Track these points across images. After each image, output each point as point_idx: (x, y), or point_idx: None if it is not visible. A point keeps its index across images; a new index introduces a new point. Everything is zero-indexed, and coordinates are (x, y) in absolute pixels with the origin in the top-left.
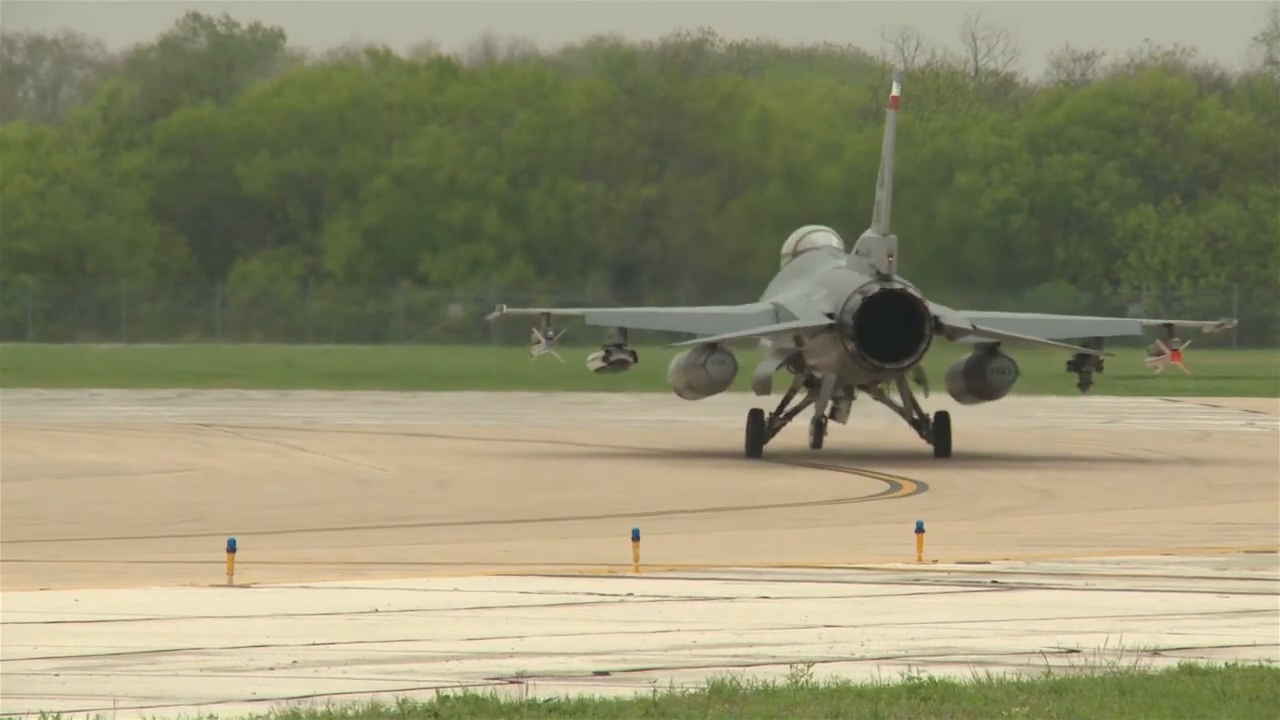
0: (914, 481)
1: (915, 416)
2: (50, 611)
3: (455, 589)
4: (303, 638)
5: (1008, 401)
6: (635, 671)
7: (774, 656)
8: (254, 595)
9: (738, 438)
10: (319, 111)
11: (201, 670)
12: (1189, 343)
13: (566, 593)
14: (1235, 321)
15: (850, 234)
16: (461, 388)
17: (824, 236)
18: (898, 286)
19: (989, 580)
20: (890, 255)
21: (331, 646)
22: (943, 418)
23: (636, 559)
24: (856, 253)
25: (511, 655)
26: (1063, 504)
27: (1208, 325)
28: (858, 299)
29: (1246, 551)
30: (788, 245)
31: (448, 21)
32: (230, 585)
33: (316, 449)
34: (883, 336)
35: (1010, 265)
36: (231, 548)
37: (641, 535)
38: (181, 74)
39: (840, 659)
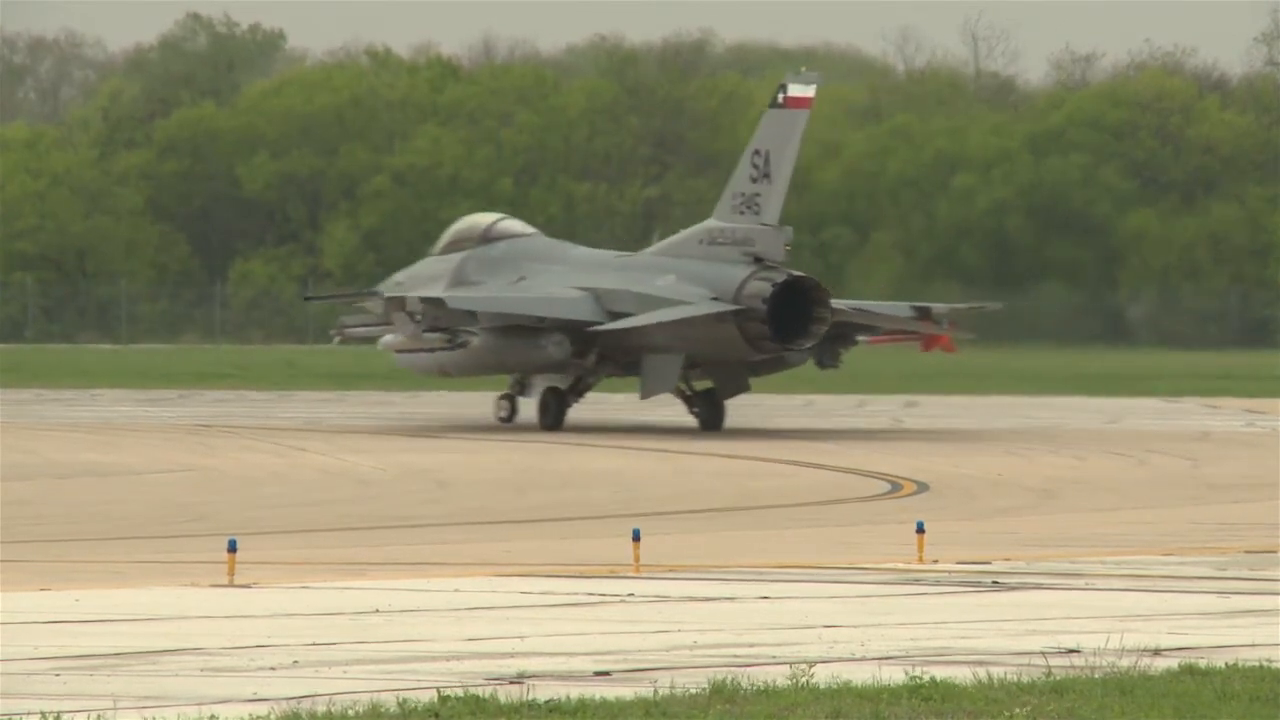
0: (914, 482)
1: (687, 394)
2: (50, 611)
3: (456, 589)
4: (303, 638)
5: (1008, 401)
6: (636, 671)
7: (774, 656)
8: (254, 595)
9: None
10: (319, 111)
11: (202, 670)
12: (947, 324)
13: (567, 593)
14: (1000, 306)
15: (854, 233)
16: (462, 387)
17: (518, 224)
18: (801, 274)
19: (989, 580)
20: (787, 244)
21: (332, 646)
22: (711, 394)
23: (637, 559)
24: (713, 242)
25: (512, 655)
26: (1063, 504)
27: (961, 306)
28: (765, 285)
29: (1247, 551)
30: (460, 234)
31: (448, 21)
32: (231, 585)
33: (316, 449)
34: (787, 321)
35: (1008, 265)
36: (232, 548)
37: (642, 535)
38: (182, 74)
39: (841, 659)
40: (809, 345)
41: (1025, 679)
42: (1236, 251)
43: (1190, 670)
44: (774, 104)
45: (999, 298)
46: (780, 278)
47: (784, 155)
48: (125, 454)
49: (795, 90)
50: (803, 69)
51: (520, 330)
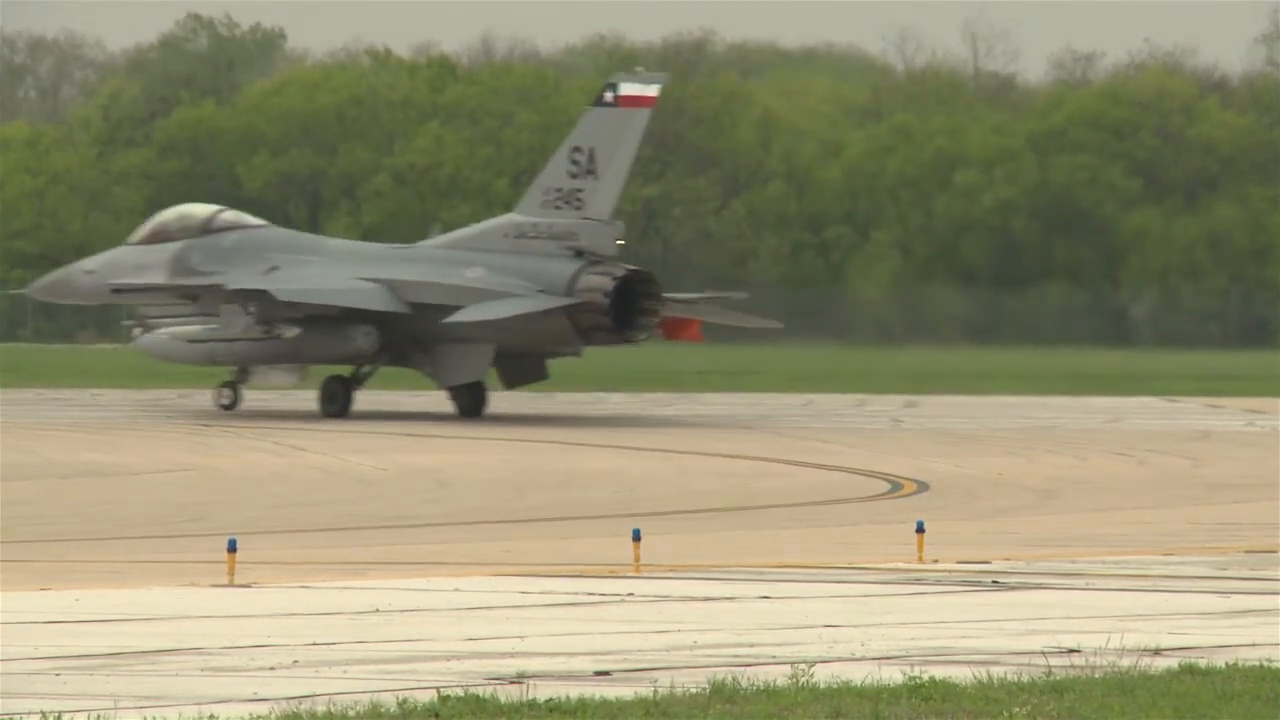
0: (914, 481)
1: (451, 385)
2: (51, 611)
3: (456, 589)
4: (303, 638)
5: (1008, 401)
6: (636, 671)
7: (774, 656)
8: (254, 595)
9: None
10: (319, 111)
11: (202, 670)
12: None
13: (567, 593)
14: (744, 296)
15: (855, 233)
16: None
17: (244, 216)
18: (637, 267)
19: (989, 580)
20: (620, 239)
21: (332, 646)
22: (477, 386)
23: (637, 559)
24: (521, 235)
25: (512, 655)
26: (1063, 504)
27: (708, 294)
28: (605, 279)
29: (1247, 551)
30: (168, 224)
31: (448, 21)
32: (230, 585)
33: (316, 449)
34: (619, 313)
35: (1009, 265)
36: (232, 548)
37: (642, 535)
38: (182, 74)
39: (841, 659)
40: (643, 337)
41: (1025, 679)
42: (1237, 251)
43: (1190, 670)
44: (600, 102)
45: (1001, 297)
46: (619, 272)
47: (616, 153)
48: (125, 454)
49: (630, 89)
50: (639, 69)
51: (329, 321)
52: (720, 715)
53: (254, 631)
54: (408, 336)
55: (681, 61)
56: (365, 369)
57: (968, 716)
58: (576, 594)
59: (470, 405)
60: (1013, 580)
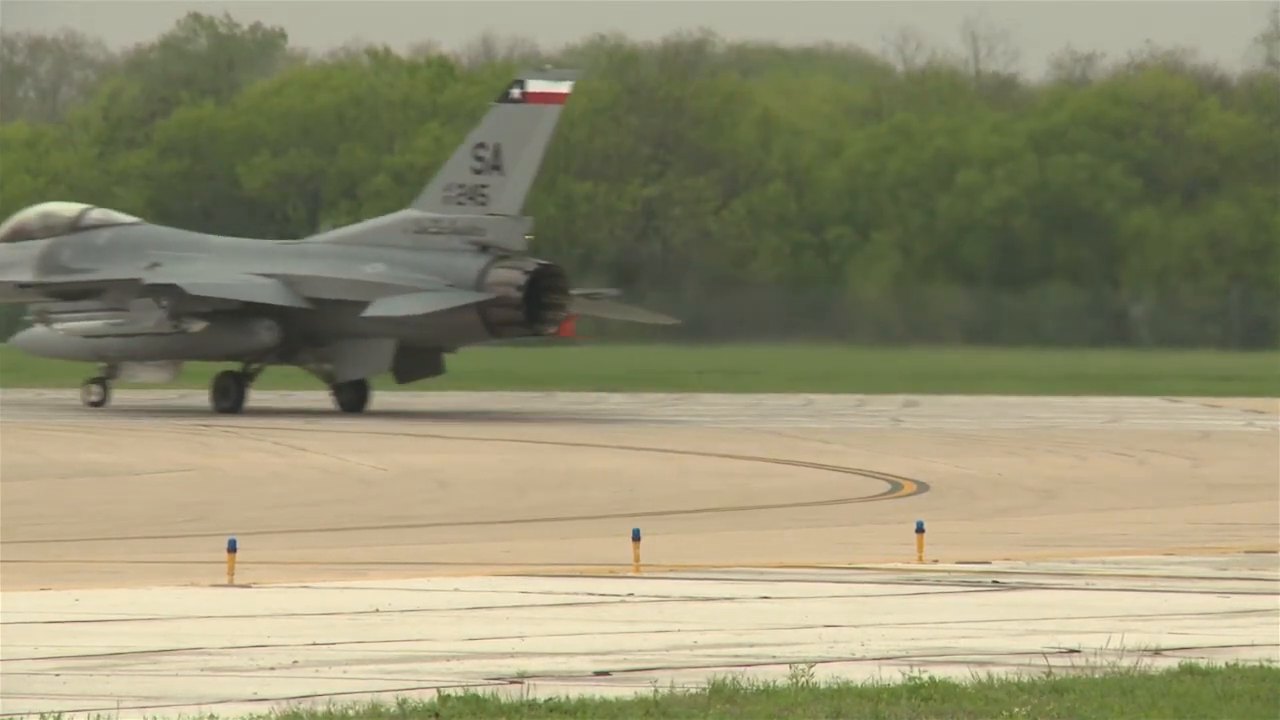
0: (914, 481)
1: (336, 382)
2: (50, 611)
3: (456, 589)
4: (303, 638)
5: (1008, 401)
6: (636, 671)
7: (774, 656)
8: (254, 595)
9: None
10: (319, 111)
11: (202, 670)
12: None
13: (567, 593)
14: (617, 293)
15: (855, 233)
16: (462, 388)
17: (114, 213)
18: (548, 261)
19: (989, 580)
20: (528, 234)
21: (332, 646)
22: (360, 384)
23: (637, 559)
24: (421, 231)
25: (512, 655)
26: (1063, 504)
27: (593, 290)
28: (517, 274)
29: (1247, 551)
30: (31, 222)
31: (448, 21)
32: (230, 585)
33: (316, 449)
34: (531, 306)
35: (1009, 264)
36: (232, 548)
37: (642, 535)
38: (182, 74)
39: (841, 659)
40: (550, 331)
41: (1025, 679)
42: (1237, 251)
43: (1190, 670)
44: (506, 99)
45: (1001, 297)
46: (530, 266)
47: (524, 149)
48: (125, 454)
49: (538, 86)
50: (548, 66)
51: (232, 316)
52: (720, 715)
53: (254, 631)
54: (305, 332)
55: (681, 61)
56: (255, 365)
57: (968, 716)
58: (576, 594)
59: (353, 401)
60: (1013, 580)
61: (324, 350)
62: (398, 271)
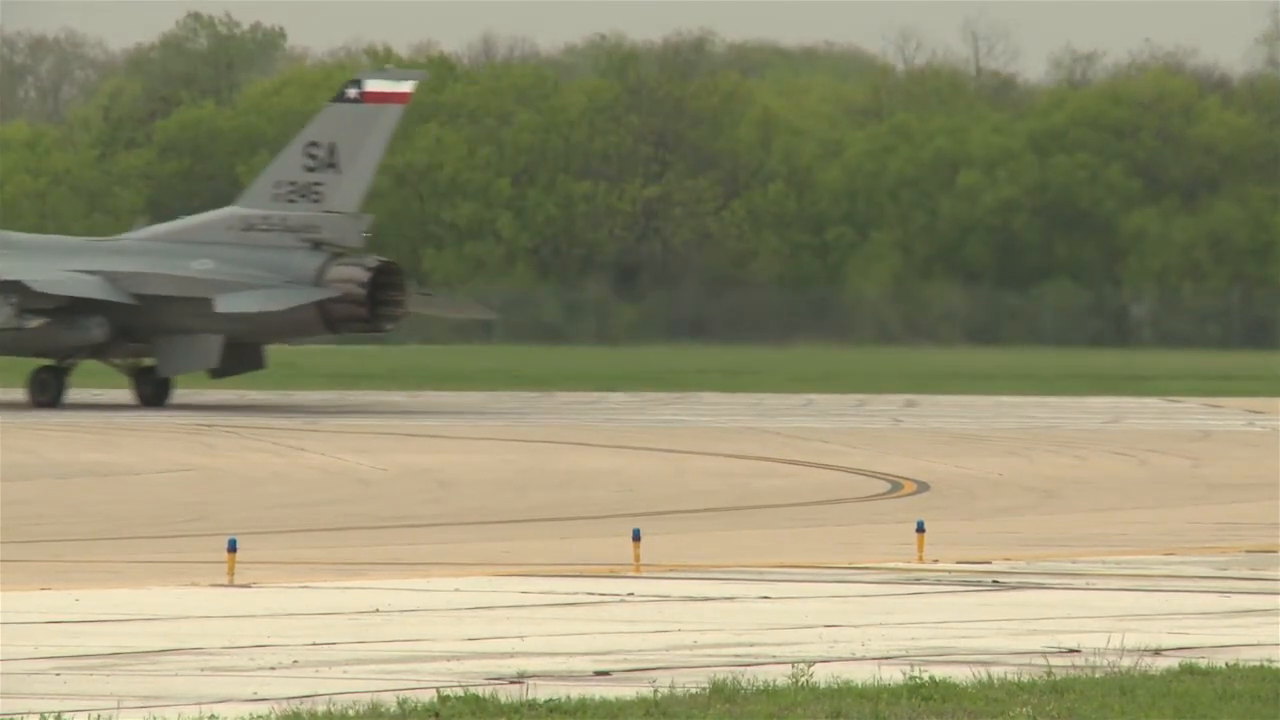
0: (914, 481)
1: (134, 370)
2: (50, 611)
3: (456, 589)
4: (303, 638)
5: (1008, 401)
6: (636, 671)
7: (774, 656)
8: (254, 595)
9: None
10: (318, 111)
11: (202, 670)
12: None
13: (567, 593)
14: (430, 293)
15: (855, 233)
16: (462, 387)
17: None
18: (388, 259)
19: (989, 580)
20: (366, 232)
21: (332, 646)
22: (153, 371)
23: (637, 559)
24: (249, 228)
25: (512, 655)
26: (1063, 504)
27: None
28: (359, 270)
29: (1247, 551)
30: None
31: (448, 21)
32: (230, 585)
33: (316, 449)
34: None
35: (1011, 264)
36: (232, 548)
37: (642, 535)
38: (182, 73)
39: (841, 659)
40: (389, 328)
41: (1025, 679)
42: (1237, 251)
43: (1190, 670)
44: (341, 98)
45: (1001, 296)
46: (372, 263)
47: (361, 148)
48: (125, 454)
49: (376, 86)
50: (389, 66)
51: (64, 312)
52: (720, 715)
53: (254, 631)
54: (131, 328)
55: (681, 61)
56: (70, 360)
57: (968, 716)
58: (576, 594)
59: (153, 395)
60: (1013, 580)
61: (142, 346)
62: (227, 268)
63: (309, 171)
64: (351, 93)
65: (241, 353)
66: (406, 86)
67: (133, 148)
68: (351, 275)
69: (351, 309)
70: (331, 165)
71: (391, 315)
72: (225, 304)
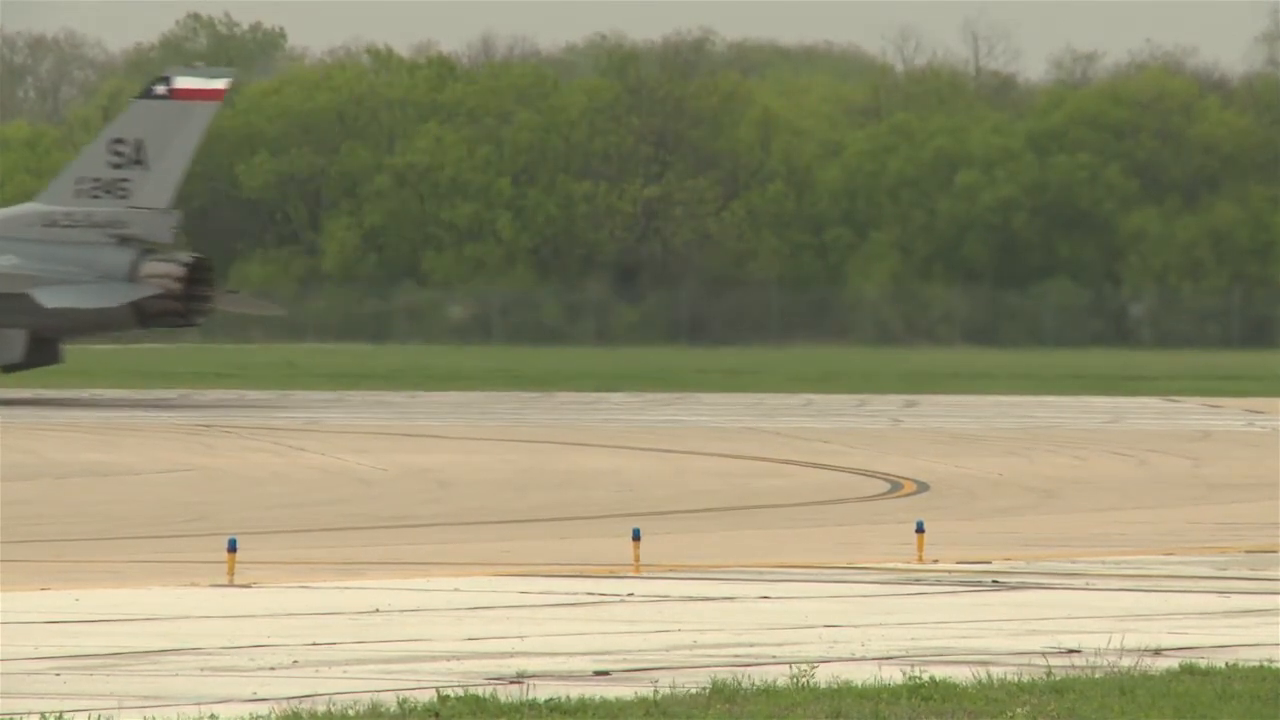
0: (914, 481)
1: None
2: (50, 611)
3: (456, 589)
4: (303, 638)
5: (1008, 401)
6: (636, 671)
7: (774, 656)
8: (254, 595)
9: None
10: (319, 110)
11: (202, 670)
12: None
13: (567, 593)
14: (236, 292)
15: (854, 233)
16: (462, 388)
17: None
18: (201, 255)
19: (989, 580)
20: (175, 228)
21: (332, 646)
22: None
23: (637, 559)
24: (52, 224)
25: (512, 655)
26: (1063, 504)
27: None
28: (174, 266)
29: (1247, 551)
30: None
31: (448, 21)
32: (230, 585)
33: (316, 449)
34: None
35: (1011, 264)
36: (232, 548)
37: (642, 535)
38: None
39: (841, 659)
40: (200, 322)
41: (1025, 679)
42: (1237, 251)
43: (1190, 670)
44: (149, 94)
45: (1001, 296)
46: (186, 258)
47: (170, 144)
48: (125, 454)
49: (186, 83)
50: (199, 63)
51: None
52: (720, 715)
53: (254, 631)
54: None
55: (681, 61)
56: None
57: (968, 716)
58: (576, 594)
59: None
60: (1013, 580)
61: None
62: (31, 263)
63: (115, 168)
64: (160, 89)
65: (42, 348)
66: (219, 84)
67: None
68: (168, 271)
69: (168, 304)
70: (138, 162)
71: (202, 310)
72: (48, 299)
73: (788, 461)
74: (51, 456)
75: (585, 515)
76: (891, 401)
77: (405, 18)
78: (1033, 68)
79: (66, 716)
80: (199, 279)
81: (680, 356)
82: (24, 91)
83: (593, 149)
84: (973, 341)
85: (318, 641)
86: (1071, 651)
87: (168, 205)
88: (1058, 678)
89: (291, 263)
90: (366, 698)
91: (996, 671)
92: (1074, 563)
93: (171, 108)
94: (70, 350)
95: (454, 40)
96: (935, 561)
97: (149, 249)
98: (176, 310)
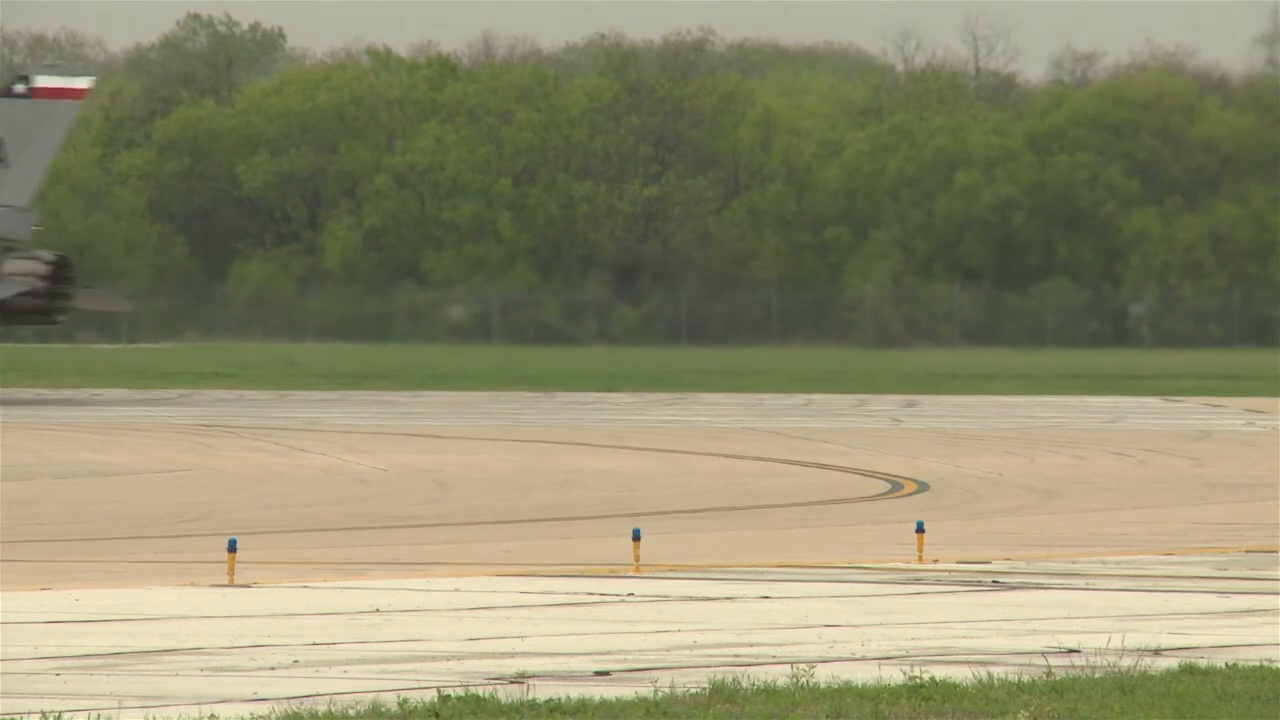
0: (914, 481)
1: None
2: (50, 611)
3: (456, 589)
4: (303, 638)
5: (1008, 401)
6: (636, 671)
7: (774, 656)
8: (254, 595)
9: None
10: (319, 110)
11: (202, 670)
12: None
13: (567, 593)
14: (91, 286)
15: (854, 233)
16: (462, 387)
17: None
18: (63, 253)
19: (989, 580)
20: (36, 226)
21: (332, 646)
22: None
23: (637, 559)
24: None
25: (512, 655)
26: (1063, 504)
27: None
28: (37, 264)
29: (1247, 551)
30: None
31: (448, 21)
32: (231, 585)
33: (316, 449)
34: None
35: (1010, 263)
36: (232, 548)
37: (642, 535)
38: (182, 73)
39: (841, 659)
40: (62, 320)
41: (1025, 679)
42: (1238, 251)
43: (1190, 670)
44: (9, 94)
45: (1001, 296)
46: (50, 257)
47: (31, 143)
48: (125, 454)
49: (46, 82)
50: (59, 62)
51: None
52: (720, 715)
53: (254, 631)
54: None
55: (681, 61)
56: None
57: (968, 716)
58: (576, 594)
59: None
60: (1013, 580)
61: None
62: None
63: None
64: (19, 88)
65: None
66: (81, 83)
67: (133, 148)
68: (33, 269)
69: (32, 302)
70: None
71: (63, 308)
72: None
73: (788, 461)
74: (51, 456)
75: (585, 515)
76: (891, 401)
77: (405, 18)
78: (1032, 68)
79: (66, 716)
80: (61, 277)
81: (680, 357)
82: None
83: (593, 149)
84: (973, 341)
85: (318, 641)
86: (1071, 651)
87: (28, 204)
88: (1058, 678)
89: (291, 262)
90: (367, 698)
91: (997, 671)
92: (1074, 563)
93: (31, 107)
94: (70, 350)
95: (454, 40)
96: (935, 561)
97: (9, 247)
98: (39, 308)
